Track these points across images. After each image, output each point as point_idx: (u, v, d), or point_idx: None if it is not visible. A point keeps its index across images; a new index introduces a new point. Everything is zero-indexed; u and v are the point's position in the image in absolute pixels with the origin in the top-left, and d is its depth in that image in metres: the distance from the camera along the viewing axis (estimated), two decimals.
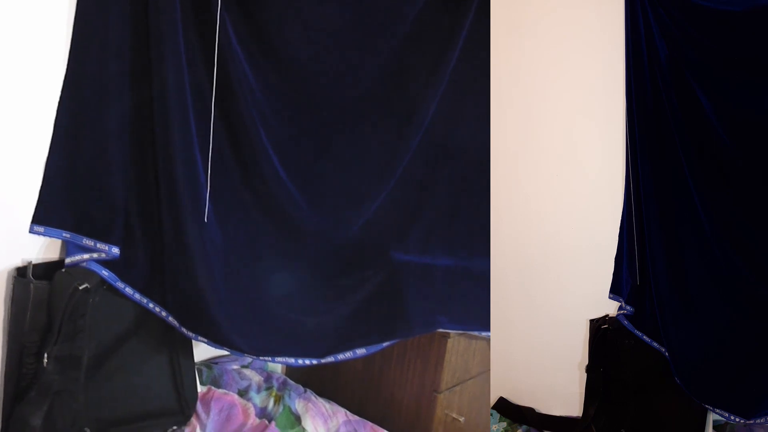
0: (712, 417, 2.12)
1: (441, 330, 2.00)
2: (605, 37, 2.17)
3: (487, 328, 2.07)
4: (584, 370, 2.30)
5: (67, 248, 1.59)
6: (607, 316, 2.25)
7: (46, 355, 1.51)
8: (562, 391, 2.42)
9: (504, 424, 2.46)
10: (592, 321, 2.28)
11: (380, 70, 1.92)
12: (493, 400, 2.52)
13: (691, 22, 1.98)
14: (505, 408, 2.52)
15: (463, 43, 1.94)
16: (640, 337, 2.15)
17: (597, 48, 2.22)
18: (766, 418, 1.98)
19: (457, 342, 2.10)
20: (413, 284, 1.95)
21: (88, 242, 1.57)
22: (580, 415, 2.32)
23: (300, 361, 1.84)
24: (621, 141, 2.16)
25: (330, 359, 1.87)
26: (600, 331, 2.23)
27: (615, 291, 2.20)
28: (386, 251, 1.97)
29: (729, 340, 2.05)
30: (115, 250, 1.60)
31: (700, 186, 2.04)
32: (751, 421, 2.01)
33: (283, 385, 2.19)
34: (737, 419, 2.01)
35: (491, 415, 2.48)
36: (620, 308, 2.19)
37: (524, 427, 2.44)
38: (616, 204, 2.18)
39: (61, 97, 1.53)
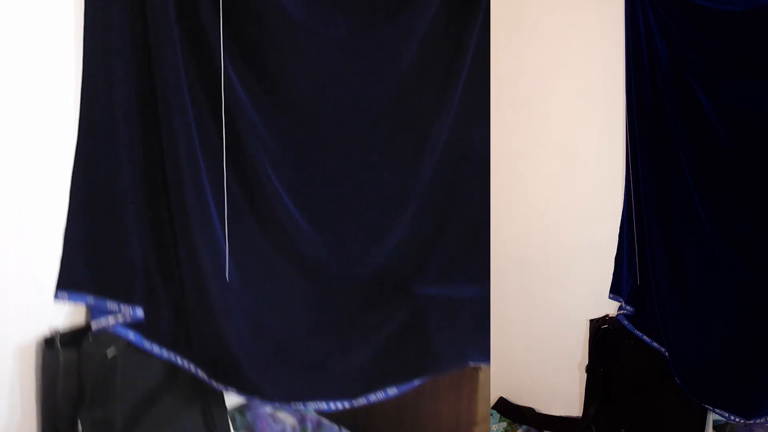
0: (712, 417, 2.12)
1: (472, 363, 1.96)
2: (605, 37, 2.17)
3: None
4: (584, 370, 2.30)
5: (92, 311, 1.60)
6: (607, 316, 2.25)
7: (80, 422, 1.52)
8: (562, 391, 2.42)
9: (504, 424, 2.46)
10: (592, 321, 2.28)
11: (389, 98, 1.89)
12: (493, 400, 2.52)
13: (691, 22, 1.98)
14: (505, 408, 2.52)
15: (470, 61, 1.91)
16: (640, 337, 2.15)
17: (597, 48, 2.22)
18: (766, 418, 1.98)
19: (489, 372, 2.03)
20: (438, 318, 1.91)
21: (111, 305, 1.59)
22: (580, 415, 2.32)
23: (332, 405, 1.82)
24: (621, 141, 2.16)
25: (362, 401, 1.85)
26: (600, 331, 2.23)
27: (615, 291, 2.20)
28: (408, 285, 1.93)
29: (729, 340, 2.05)
30: (139, 312, 1.61)
31: (700, 186, 2.04)
32: (751, 421, 2.01)
33: (318, 426, 2.15)
34: (737, 419, 2.01)
35: (491, 415, 2.48)
36: (620, 308, 2.19)
37: (524, 427, 2.44)
38: (616, 204, 2.18)
39: (73, 171, 1.56)
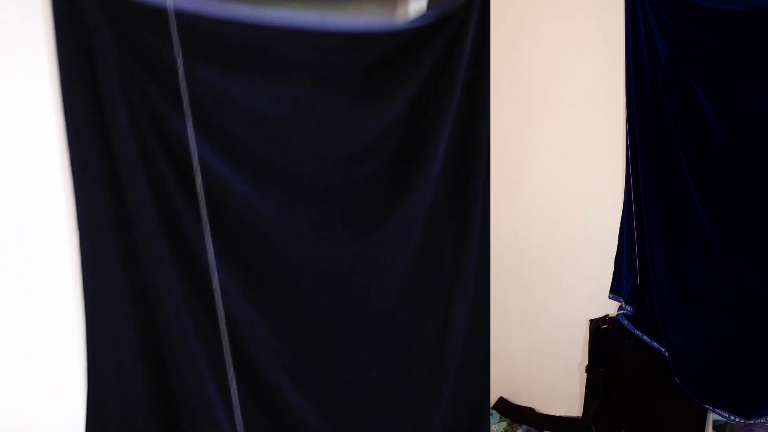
0: (712, 417, 2.12)
1: None
2: (605, 37, 2.17)
3: None
4: (584, 370, 2.30)
5: None
6: (607, 316, 2.25)
7: None
8: (562, 391, 2.42)
9: (504, 424, 2.46)
10: (592, 321, 2.28)
11: (400, 286, 1.80)
12: (493, 400, 2.52)
13: (691, 22, 1.98)
14: (505, 408, 2.52)
15: (478, 236, 1.82)
16: (640, 337, 2.15)
17: (597, 48, 2.22)
18: (766, 418, 1.98)
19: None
20: None
21: None
22: (580, 415, 2.32)
23: None
24: (621, 141, 2.16)
25: None
26: (600, 331, 2.23)
27: (615, 291, 2.20)
28: None
29: (729, 340, 2.05)
30: None
31: (700, 186, 2.04)
32: (751, 421, 2.01)
33: None
34: (737, 419, 2.01)
35: (491, 415, 2.48)
36: (620, 308, 2.19)
37: (524, 427, 2.44)
38: (616, 204, 2.18)
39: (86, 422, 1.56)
